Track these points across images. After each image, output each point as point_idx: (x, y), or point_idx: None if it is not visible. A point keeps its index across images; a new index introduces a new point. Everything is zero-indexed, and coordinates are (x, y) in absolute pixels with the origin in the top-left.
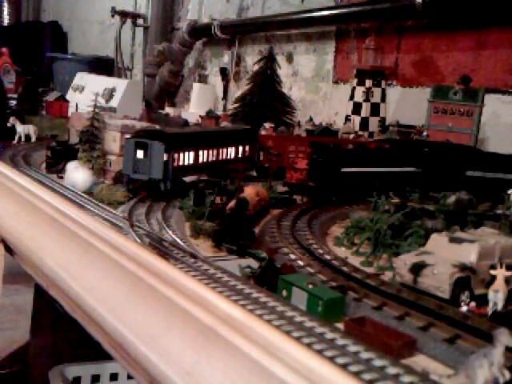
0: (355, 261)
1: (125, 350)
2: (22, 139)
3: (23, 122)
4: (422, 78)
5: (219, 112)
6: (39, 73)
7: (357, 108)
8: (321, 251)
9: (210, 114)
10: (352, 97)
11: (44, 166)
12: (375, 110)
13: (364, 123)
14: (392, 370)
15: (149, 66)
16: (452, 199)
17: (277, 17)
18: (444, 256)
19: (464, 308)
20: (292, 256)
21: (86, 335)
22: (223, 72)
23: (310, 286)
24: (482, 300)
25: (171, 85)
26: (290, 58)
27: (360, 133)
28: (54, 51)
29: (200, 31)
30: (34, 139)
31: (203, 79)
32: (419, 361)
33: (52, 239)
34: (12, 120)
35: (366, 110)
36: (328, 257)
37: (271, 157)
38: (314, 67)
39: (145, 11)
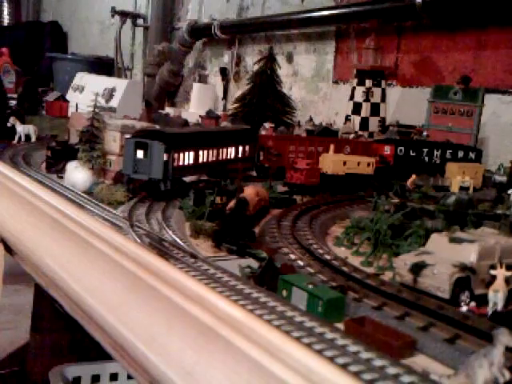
0: (355, 261)
1: (125, 350)
2: (22, 139)
3: (23, 122)
4: (422, 78)
5: (219, 112)
6: (39, 73)
7: (357, 108)
8: (321, 251)
9: (210, 114)
10: (352, 97)
11: (44, 165)
12: (375, 109)
13: (364, 123)
14: (392, 370)
15: (149, 65)
16: (452, 199)
17: (277, 17)
18: (444, 256)
19: (464, 308)
20: (292, 256)
21: (86, 335)
22: (223, 72)
23: (310, 286)
24: (482, 300)
25: (171, 85)
26: (290, 58)
27: (360, 133)
28: (53, 51)
29: (200, 31)
30: (33, 139)
31: (203, 79)
32: (419, 361)
33: (52, 239)
34: (12, 120)
35: (365, 110)
36: (328, 257)
37: (271, 157)
38: (314, 67)
39: (145, 11)
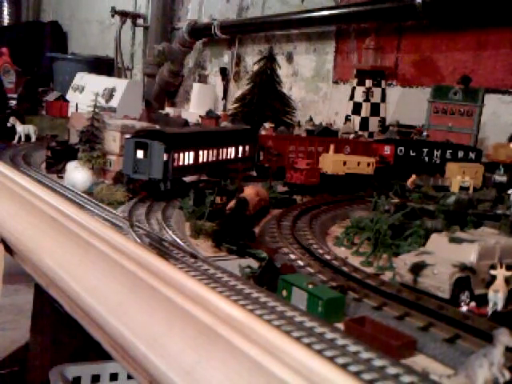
0: (355, 261)
1: (125, 350)
2: (22, 139)
3: (23, 122)
4: (422, 78)
5: (219, 112)
6: (39, 73)
7: (357, 108)
8: (321, 251)
9: (210, 114)
10: (352, 97)
11: (44, 165)
12: (375, 109)
13: (364, 123)
14: (392, 370)
15: (149, 65)
16: (452, 199)
17: (277, 17)
18: (444, 256)
19: (464, 308)
20: (292, 256)
21: (86, 335)
22: (223, 72)
23: (310, 286)
24: (482, 300)
25: (171, 85)
26: (290, 58)
27: (360, 133)
28: (53, 51)
29: (200, 31)
30: (33, 139)
31: (203, 79)
32: (419, 361)
33: (52, 239)
34: (12, 120)
35: (365, 110)
36: (328, 257)
37: (271, 157)
38: (314, 67)
39: (145, 11)
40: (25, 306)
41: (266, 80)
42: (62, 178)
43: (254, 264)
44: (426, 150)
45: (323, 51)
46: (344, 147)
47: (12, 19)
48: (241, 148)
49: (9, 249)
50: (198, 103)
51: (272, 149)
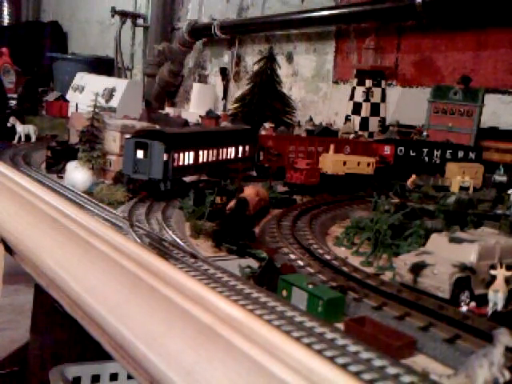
0: (355, 261)
1: (125, 350)
2: (22, 139)
3: (23, 122)
4: (422, 78)
5: (219, 112)
6: (39, 73)
7: (357, 108)
8: (321, 251)
9: (210, 114)
10: (352, 97)
11: (44, 165)
12: (375, 110)
13: (364, 123)
14: (392, 370)
15: (149, 65)
16: (452, 199)
17: (277, 17)
18: (444, 256)
19: (464, 308)
20: (292, 256)
21: (86, 335)
22: (223, 72)
23: (310, 286)
24: (482, 300)
25: (171, 85)
26: (290, 58)
27: (360, 133)
28: (54, 51)
29: (200, 31)
30: (33, 139)
31: (203, 79)
32: (419, 361)
33: (52, 239)
34: (12, 120)
35: (365, 110)
36: (328, 257)
37: (271, 157)
38: (314, 67)
39: (145, 11)
40: (25, 306)
41: (266, 80)
42: (62, 177)
43: (254, 264)
44: (426, 150)
45: (323, 51)
46: (344, 147)
47: (12, 19)
48: (241, 148)
49: (9, 249)
50: (198, 103)
51: (272, 149)
